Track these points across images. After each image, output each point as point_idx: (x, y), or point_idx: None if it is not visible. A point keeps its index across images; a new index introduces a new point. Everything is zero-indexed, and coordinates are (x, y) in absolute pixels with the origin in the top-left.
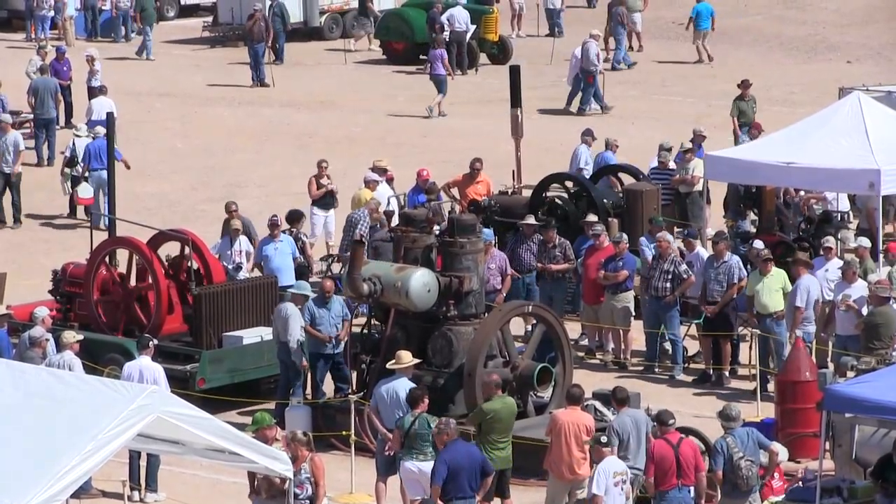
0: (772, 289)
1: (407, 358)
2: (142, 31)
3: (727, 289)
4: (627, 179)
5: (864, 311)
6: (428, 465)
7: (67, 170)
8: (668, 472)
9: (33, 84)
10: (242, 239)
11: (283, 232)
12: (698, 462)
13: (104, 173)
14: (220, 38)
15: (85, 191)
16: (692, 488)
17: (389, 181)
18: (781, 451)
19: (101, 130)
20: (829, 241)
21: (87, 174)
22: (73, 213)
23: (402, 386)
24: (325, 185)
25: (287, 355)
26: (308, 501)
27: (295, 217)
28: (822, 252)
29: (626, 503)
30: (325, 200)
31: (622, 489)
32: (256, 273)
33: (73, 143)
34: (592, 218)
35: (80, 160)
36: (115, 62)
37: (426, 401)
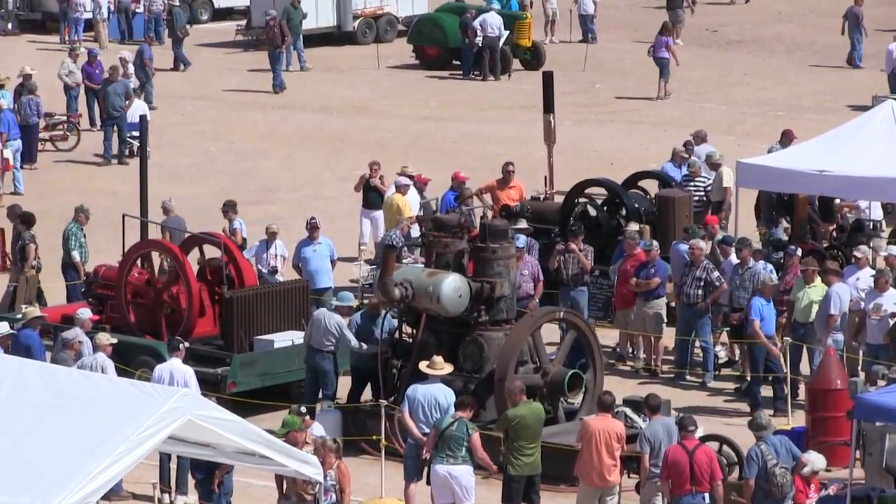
0: (812, 299)
1: (442, 363)
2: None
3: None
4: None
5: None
6: (458, 469)
7: None
8: (682, 478)
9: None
10: (278, 243)
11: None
12: (714, 470)
13: (18, 142)
14: (253, 42)
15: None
16: (706, 495)
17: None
18: (819, 461)
19: (3, 103)
20: (862, 249)
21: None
22: None
23: (440, 390)
24: (373, 183)
25: (314, 360)
26: None
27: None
28: (853, 261)
29: None
30: (372, 200)
31: None
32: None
33: None
34: (633, 227)
35: None
36: None
37: (471, 411)
